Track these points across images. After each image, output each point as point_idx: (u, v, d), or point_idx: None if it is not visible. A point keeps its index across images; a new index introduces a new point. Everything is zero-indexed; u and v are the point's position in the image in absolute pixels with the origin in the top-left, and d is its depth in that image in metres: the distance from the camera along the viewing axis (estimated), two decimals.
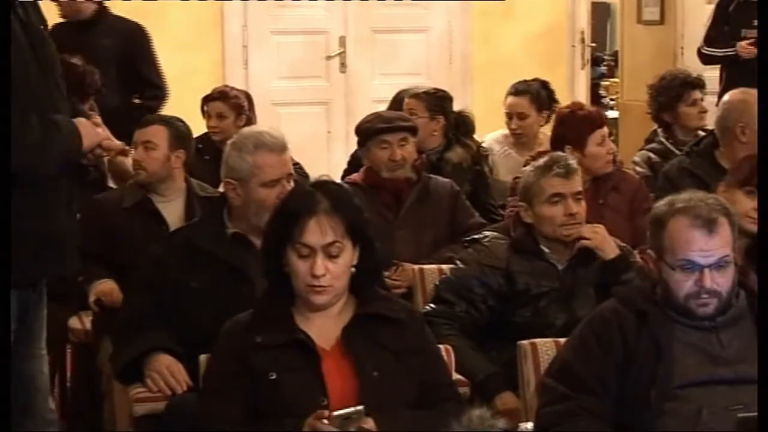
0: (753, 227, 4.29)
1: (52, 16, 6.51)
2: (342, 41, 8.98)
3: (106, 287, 4.84)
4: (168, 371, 3.86)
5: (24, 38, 3.59)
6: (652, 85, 6.56)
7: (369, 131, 5.32)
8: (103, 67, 6.24)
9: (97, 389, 4.92)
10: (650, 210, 3.57)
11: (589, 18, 9.67)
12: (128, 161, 5.45)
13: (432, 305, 4.36)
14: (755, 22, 7.47)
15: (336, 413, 3.06)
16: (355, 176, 5.38)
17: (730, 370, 3.24)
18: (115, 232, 4.94)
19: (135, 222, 4.95)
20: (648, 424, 3.19)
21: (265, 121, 6.96)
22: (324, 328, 3.28)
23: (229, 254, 3.96)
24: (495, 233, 4.45)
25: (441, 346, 3.59)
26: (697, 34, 7.90)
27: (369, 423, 3.10)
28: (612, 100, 11.72)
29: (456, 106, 6.37)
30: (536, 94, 6.48)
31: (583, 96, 9.38)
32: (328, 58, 8.98)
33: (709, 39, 7.66)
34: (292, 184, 3.99)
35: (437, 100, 6.19)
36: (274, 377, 3.18)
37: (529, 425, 3.34)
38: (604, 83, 12.76)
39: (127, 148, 5.79)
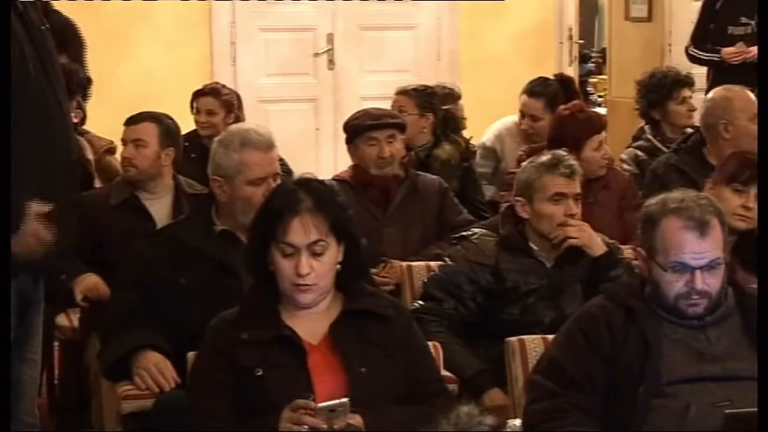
0: (740, 224, 4.31)
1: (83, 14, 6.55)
2: (330, 38, 8.97)
3: (91, 282, 4.82)
4: (156, 368, 3.85)
5: (26, 37, 3.59)
6: (640, 82, 6.57)
7: (357, 128, 5.32)
8: None
9: (84, 387, 4.92)
10: (639, 207, 3.57)
11: (576, 15, 9.68)
12: (115, 159, 5.44)
13: (420, 302, 4.36)
14: (742, 19, 7.50)
15: (321, 405, 3.06)
16: (343, 173, 5.38)
17: (718, 366, 3.24)
18: (102, 229, 4.93)
19: (122, 219, 4.94)
20: (636, 420, 3.19)
21: (253, 118, 6.95)
22: (311, 325, 3.28)
23: (217, 251, 3.96)
24: (483, 230, 4.46)
25: (429, 342, 3.59)
26: (685, 31, 7.91)
27: (356, 419, 3.10)
28: (600, 97, 11.72)
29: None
30: (553, 96, 6.26)
31: None
32: (316, 55, 8.98)
33: (696, 38, 7.67)
34: (278, 181, 3.98)
35: (426, 97, 6.19)
36: (260, 373, 3.18)
37: (518, 422, 3.34)
38: (592, 80, 12.77)
39: (113, 146, 5.79)
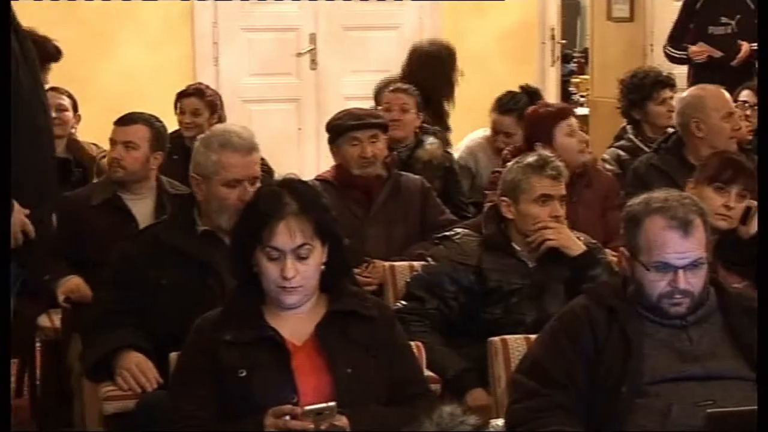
0: (722, 224, 4.33)
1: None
2: (312, 38, 8.97)
3: (73, 284, 4.82)
4: (138, 369, 3.85)
5: (16, 42, 3.60)
6: (623, 81, 6.59)
7: (339, 128, 5.31)
8: None
9: (66, 387, 4.90)
10: (622, 206, 3.58)
11: (559, 15, 9.69)
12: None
13: (403, 302, 4.37)
14: (722, 19, 7.54)
15: (308, 408, 3.06)
16: (325, 173, 5.38)
17: (699, 366, 3.25)
18: (84, 229, 4.92)
19: (104, 219, 4.94)
20: (618, 419, 3.20)
21: (235, 118, 6.95)
22: (294, 325, 3.27)
23: (199, 251, 3.95)
24: (466, 230, 4.46)
25: (412, 342, 3.59)
26: (667, 31, 7.94)
27: (342, 420, 3.10)
28: (582, 97, 11.75)
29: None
30: (523, 109, 6.04)
31: (553, 93, 9.40)
32: (299, 55, 8.97)
33: (673, 37, 7.71)
34: (257, 185, 3.96)
35: (419, 97, 6.21)
36: (244, 374, 3.18)
37: (500, 422, 3.35)
38: (574, 80, 12.79)
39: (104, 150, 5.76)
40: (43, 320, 5.18)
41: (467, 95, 6.83)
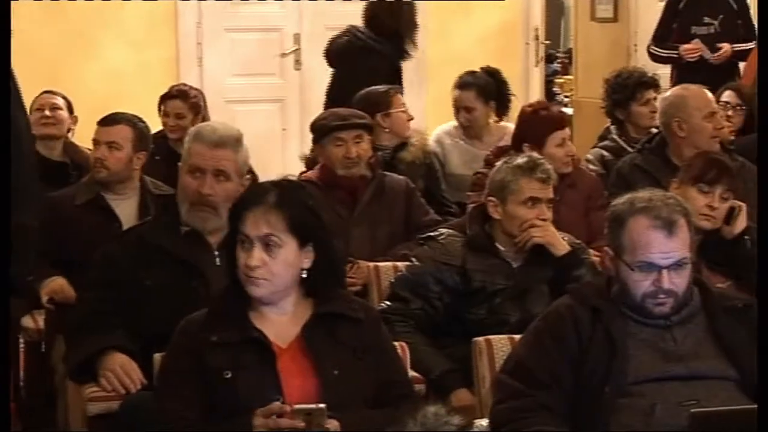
0: (705, 224, 4.33)
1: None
2: (297, 38, 8.96)
3: (56, 285, 4.81)
4: (122, 370, 3.84)
5: None
6: (607, 80, 6.61)
7: (324, 128, 5.31)
8: None
9: (50, 389, 4.89)
10: (605, 207, 3.58)
11: (543, 15, 9.70)
12: None
13: (387, 302, 4.37)
14: (705, 19, 7.55)
15: (297, 407, 3.06)
16: (310, 173, 5.38)
17: (683, 366, 3.26)
18: (68, 230, 4.91)
19: (87, 219, 4.93)
20: (602, 419, 3.21)
21: (219, 119, 6.90)
22: (280, 327, 3.27)
23: (183, 251, 3.95)
24: (450, 230, 4.46)
25: (396, 343, 3.59)
26: (650, 31, 7.95)
27: (332, 424, 3.09)
28: (566, 97, 11.76)
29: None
30: (482, 86, 6.50)
31: (537, 93, 9.41)
32: (283, 55, 8.96)
33: (657, 37, 7.72)
34: (228, 183, 3.97)
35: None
36: (229, 375, 3.17)
37: (484, 422, 3.35)
38: (558, 80, 12.80)
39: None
40: (27, 321, 5.16)
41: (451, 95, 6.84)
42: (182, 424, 3.17)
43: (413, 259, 4.43)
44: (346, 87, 6.56)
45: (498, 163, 4.50)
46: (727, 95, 6.55)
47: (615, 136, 6.42)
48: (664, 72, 7.75)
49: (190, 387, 3.20)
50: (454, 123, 6.67)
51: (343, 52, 7.06)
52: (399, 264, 4.69)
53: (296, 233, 3.23)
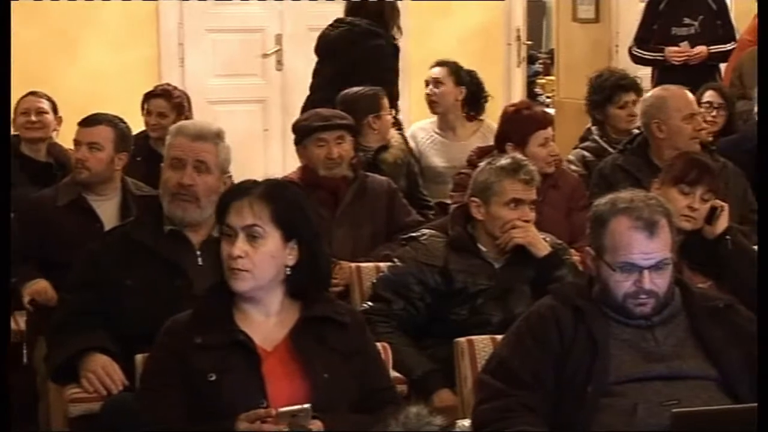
0: (686, 225, 4.34)
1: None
2: (278, 39, 8.95)
3: (39, 287, 4.80)
4: (103, 371, 3.84)
5: None
6: (590, 80, 6.62)
7: (306, 129, 5.31)
8: None
9: (32, 390, 4.88)
10: (587, 207, 3.59)
11: (524, 16, 9.71)
12: None
13: (369, 303, 4.37)
14: (686, 20, 7.57)
15: (282, 410, 3.05)
16: (291, 174, 5.37)
17: (664, 366, 3.26)
18: (50, 231, 4.90)
19: (69, 220, 4.92)
20: (584, 419, 3.21)
21: (201, 119, 6.92)
22: (266, 329, 3.25)
23: (165, 250, 3.94)
24: (432, 231, 4.47)
25: (378, 343, 3.59)
26: (631, 32, 7.96)
27: (316, 425, 3.09)
28: (548, 98, 11.79)
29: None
30: (456, 69, 6.78)
31: (518, 94, 9.42)
32: (265, 56, 8.95)
33: (639, 39, 7.72)
34: (210, 177, 3.98)
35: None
36: (213, 378, 3.15)
37: (467, 422, 3.35)
38: (540, 81, 12.83)
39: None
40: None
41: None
42: (164, 426, 3.16)
43: (395, 260, 4.43)
44: (353, 75, 6.49)
45: (481, 164, 4.50)
46: (709, 95, 6.57)
47: (596, 137, 6.44)
48: (644, 73, 7.77)
49: (173, 389, 3.19)
50: (429, 120, 6.70)
51: (344, 40, 6.93)
52: (381, 264, 4.69)
53: (280, 225, 3.22)
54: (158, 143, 6.13)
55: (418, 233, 4.47)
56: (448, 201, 5.70)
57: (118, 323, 3.89)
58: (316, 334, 3.26)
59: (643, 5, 8.02)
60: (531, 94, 11.48)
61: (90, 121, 5.13)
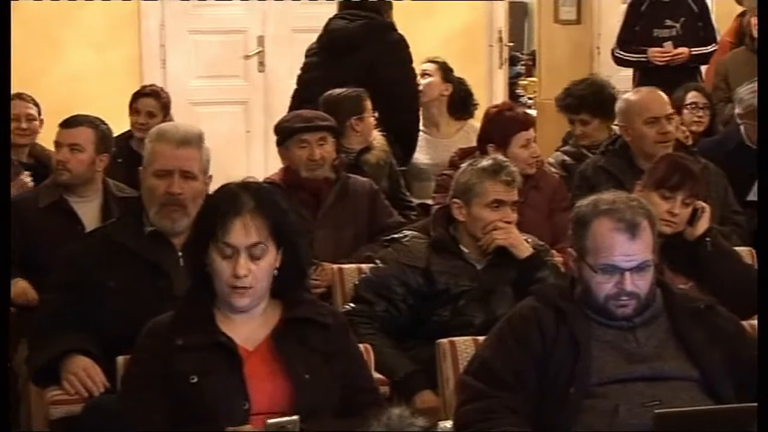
0: (666, 229, 4.34)
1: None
2: (260, 40, 8.94)
3: (19, 288, 4.79)
4: (84, 373, 3.82)
5: None
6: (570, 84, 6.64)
7: (288, 130, 5.31)
8: None
9: (12, 392, 4.86)
10: (569, 208, 3.59)
11: (506, 17, 9.72)
12: None
13: (351, 304, 4.37)
14: (667, 22, 7.58)
15: (271, 421, 3.02)
16: (273, 176, 5.37)
17: (646, 367, 3.27)
18: (31, 232, 4.89)
19: (50, 222, 4.91)
20: (566, 420, 3.21)
21: (183, 121, 6.90)
22: (247, 331, 3.24)
23: (147, 251, 3.93)
24: (414, 232, 4.47)
25: (361, 345, 3.59)
26: (613, 33, 7.97)
27: None
28: (530, 99, 11.80)
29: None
30: (445, 66, 6.98)
31: (500, 95, 9.42)
32: (247, 57, 8.94)
33: (621, 41, 7.73)
34: (195, 183, 3.96)
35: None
36: (195, 380, 3.14)
37: (449, 423, 3.35)
38: (522, 82, 12.84)
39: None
40: None
41: None
42: (146, 428, 3.15)
43: (377, 261, 4.43)
44: (383, 68, 6.40)
45: (463, 165, 4.51)
46: (693, 96, 6.59)
47: (576, 141, 6.44)
48: (626, 74, 7.79)
49: (155, 390, 3.18)
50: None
51: (367, 33, 6.61)
52: (363, 266, 4.68)
53: (276, 237, 3.23)
54: (140, 144, 6.13)
55: (401, 235, 4.47)
56: (430, 202, 5.70)
57: (99, 325, 3.88)
58: (298, 335, 3.25)
59: (624, 7, 8.04)
60: (513, 96, 11.47)
61: (71, 123, 5.12)
